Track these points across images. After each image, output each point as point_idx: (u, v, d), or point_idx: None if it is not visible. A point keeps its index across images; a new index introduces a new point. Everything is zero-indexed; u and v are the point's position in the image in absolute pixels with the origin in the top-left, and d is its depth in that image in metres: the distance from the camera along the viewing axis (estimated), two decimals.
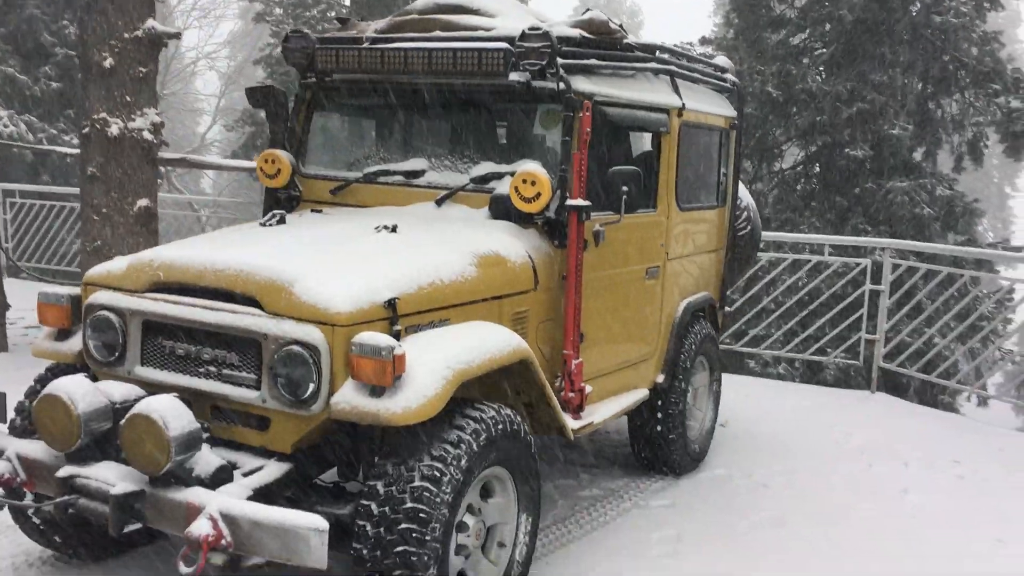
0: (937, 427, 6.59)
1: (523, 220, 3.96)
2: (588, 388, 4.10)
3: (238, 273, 3.19)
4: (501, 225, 3.94)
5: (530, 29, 3.88)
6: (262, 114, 18.48)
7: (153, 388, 3.23)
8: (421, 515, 2.91)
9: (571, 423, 3.92)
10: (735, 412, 6.38)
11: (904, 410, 7.16)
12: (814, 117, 11.08)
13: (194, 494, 2.87)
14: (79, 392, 2.99)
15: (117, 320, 3.34)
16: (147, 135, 7.25)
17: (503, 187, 4.01)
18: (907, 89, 11.14)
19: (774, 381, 8.86)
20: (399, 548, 2.89)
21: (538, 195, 3.82)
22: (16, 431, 3.56)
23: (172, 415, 2.86)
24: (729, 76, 5.56)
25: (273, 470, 3.14)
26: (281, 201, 4.50)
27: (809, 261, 7.97)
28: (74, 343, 3.52)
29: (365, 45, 4.24)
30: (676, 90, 4.77)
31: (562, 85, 3.92)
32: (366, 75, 4.31)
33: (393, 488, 2.96)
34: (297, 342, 3.01)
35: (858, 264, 7.76)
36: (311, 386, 3.02)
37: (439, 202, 4.13)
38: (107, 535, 3.65)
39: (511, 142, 4.32)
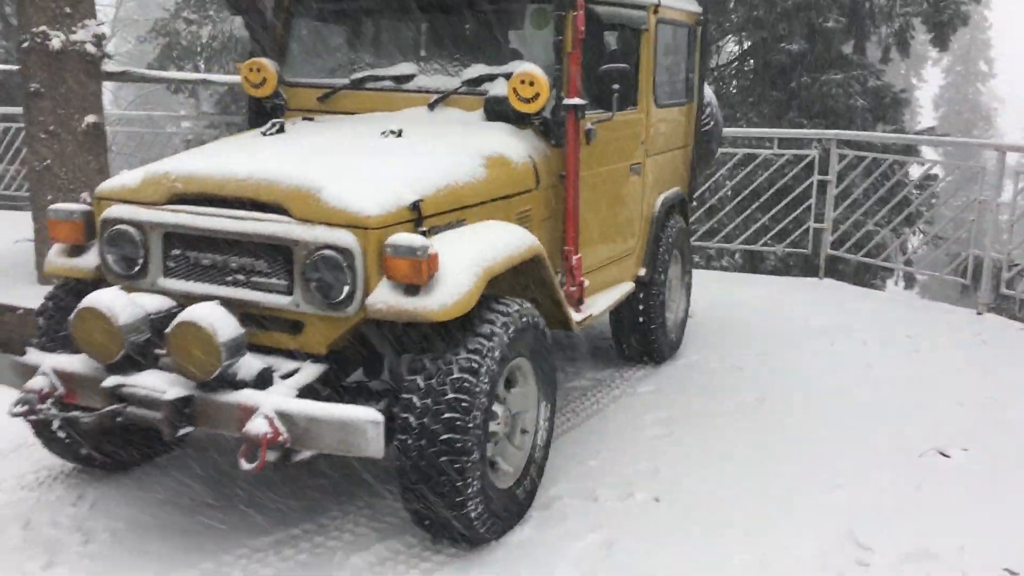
0: (885, 308, 7.01)
1: (519, 121, 4.04)
2: (586, 282, 4.27)
3: (261, 181, 3.22)
4: (500, 127, 4.01)
5: None
6: (177, 24, 17.84)
7: (179, 299, 3.28)
8: (463, 404, 3.06)
9: (574, 315, 4.10)
10: (697, 303, 6.64)
11: (852, 294, 7.57)
12: (750, 12, 11.22)
13: (246, 395, 2.97)
14: (118, 304, 3.03)
15: (137, 233, 3.35)
16: (90, 48, 7.00)
17: (496, 89, 4.08)
18: None
19: (725, 273, 9.22)
20: (444, 436, 3.05)
21: (536, 95, 3.90)
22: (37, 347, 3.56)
23: (220, 322, 2.94)
24: None
25: (311, 371, 3.25)
26: (267, 110, 4.47)
27: (759, 155, 8.21)
28: (89, 259, 3.52)
29: None
30: None
31: None
32: None
33: (433, 381, 3.09)
34: (330, 247, 3.08)
35: (805, 156, 8.03)
36: (345, 289, 3.10)
37: (432, 106, 4.17)
38: (132, 445, 3.79)
39: (501, 43, 4.35)
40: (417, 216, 3.26)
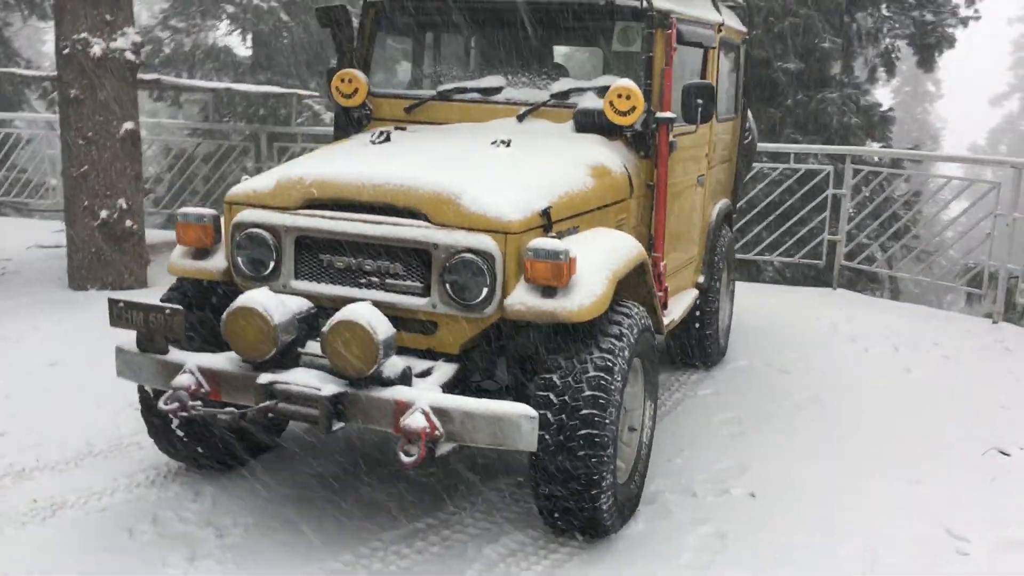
0: (903, 317, 7.28)
1: (611, 133, 4.22)
2: (668, 287, 4.46)
3: (399, 187, 3.35)
4: (594, 138, 4.19)
5: None
6: (161, 32, 17.78)
7: (312, 300, 3.39)
8: (600, 401, 3.21)
9: (664, 319, 4.28)
10: None
11: (868, 303, 7.87)
12: (748, 31, 11.52)
13: (400, 392, 3.09)
14: (272, 304, 3.13)
15: (270, 237, 3.45)
16: (129, 55, 7.06)
17: (586, 102, 4.26)
18: (831, 3, 11.73)
19: (741, 283, 9.44)
20: (582, 432, 3.19)
21: (632, 109, 4.09)
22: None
23: (376, 321, 3.05)
24: None
25: (446, 370, 3.38)
26: (354, 120, 4.60)
27: (776, 168, 8.48)
28: (216, 261, 3.62)
29: None
30: (716, 6, 5.08)
31: (645, 3, 4.16)
32: None
33: (570, 379, 3.24)
34: (470, 250, 3.22)
35: (821, 171, 8.32)
36: (484, 291, 3.24)
37: (520, 117, 4.33)
38: (240, 445, 3.88)
39: (588, 59, 4.53)
40: (547, 222, 3.41)
